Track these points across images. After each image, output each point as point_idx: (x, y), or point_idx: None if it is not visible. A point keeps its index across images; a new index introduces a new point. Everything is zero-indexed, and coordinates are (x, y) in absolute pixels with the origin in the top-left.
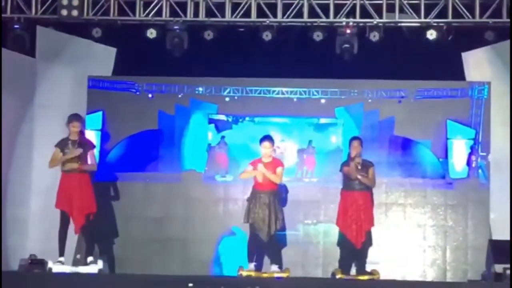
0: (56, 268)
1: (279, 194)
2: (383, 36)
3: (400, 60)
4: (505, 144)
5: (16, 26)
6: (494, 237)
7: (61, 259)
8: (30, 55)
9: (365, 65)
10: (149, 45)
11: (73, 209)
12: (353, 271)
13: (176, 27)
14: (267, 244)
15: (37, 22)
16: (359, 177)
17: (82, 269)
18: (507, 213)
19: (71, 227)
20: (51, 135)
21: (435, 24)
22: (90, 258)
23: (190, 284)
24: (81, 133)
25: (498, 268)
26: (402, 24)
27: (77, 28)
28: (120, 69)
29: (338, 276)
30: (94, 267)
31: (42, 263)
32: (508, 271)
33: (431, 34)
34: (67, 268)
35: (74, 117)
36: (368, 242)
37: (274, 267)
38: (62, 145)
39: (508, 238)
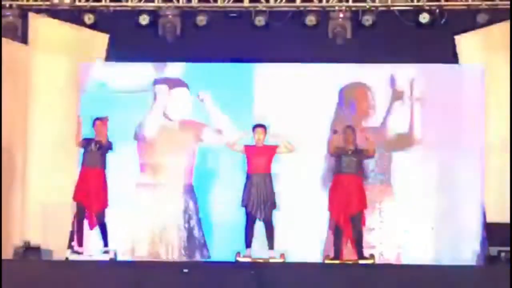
0: (74, 257)
1: (273, 177)
2: (376, 20)
3: (393, 44)
4: (498, 127)
5: (8, 13)
6: (489, 220)
7: (80, 249)
8: (22, 42)
9: (358, 49)
10: (141, 31)
11: (91, 203)
12: (349, 255)
13: (168, 12)
14: (263, 228)
15: (30, 9)
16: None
17: (96, 258)
18: (502, 196)
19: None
20: (45, 122)
21: (427, 7)
22: (105, 248)
23: (185, 270)
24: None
25: (493, 251)
26: (395, 8)
27: (70, 15)
28: (113, 55)
29: (327, 261)
30: (106, 256)
31: (37, 249)
32: (503, 254)
33: (424, 18)
34: (85, 257)
35: (98, 119)
36: (357, 226)
37: (271, 252)
38: (84, 144)
39: (502, 221)
